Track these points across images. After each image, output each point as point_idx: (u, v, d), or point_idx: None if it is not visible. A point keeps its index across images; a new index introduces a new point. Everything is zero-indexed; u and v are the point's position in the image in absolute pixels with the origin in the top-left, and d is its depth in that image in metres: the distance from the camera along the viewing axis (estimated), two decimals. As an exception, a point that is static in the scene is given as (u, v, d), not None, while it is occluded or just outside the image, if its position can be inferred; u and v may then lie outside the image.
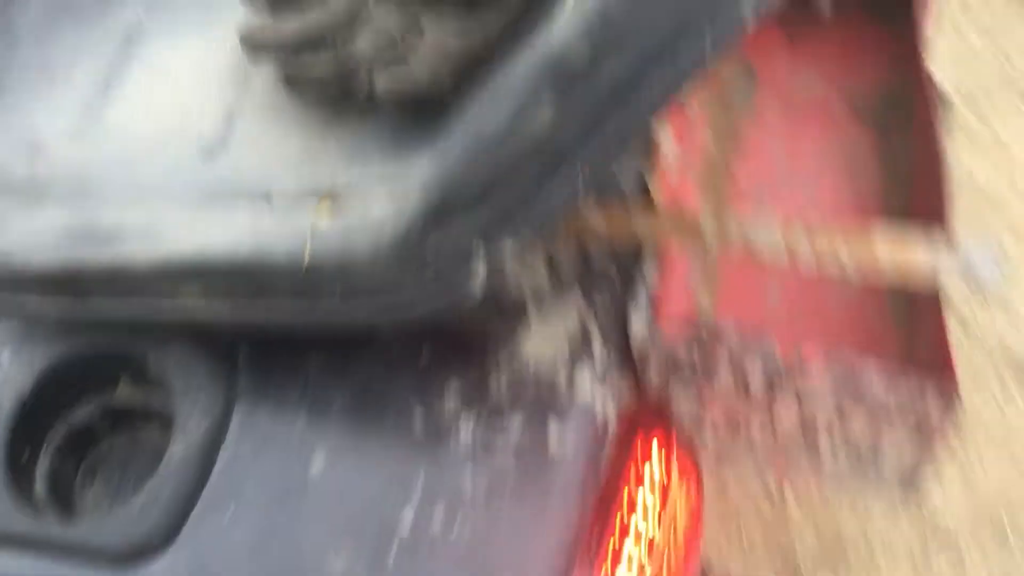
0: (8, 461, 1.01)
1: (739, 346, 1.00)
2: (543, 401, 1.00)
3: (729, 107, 1.46)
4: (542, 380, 1.01)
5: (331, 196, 0.85)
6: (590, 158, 0.79)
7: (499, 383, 1.02)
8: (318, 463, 0.99)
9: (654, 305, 1.08)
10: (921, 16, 1.25)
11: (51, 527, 0.99)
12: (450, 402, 1.01)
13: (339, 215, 0.83)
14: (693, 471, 1.07)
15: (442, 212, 0.79)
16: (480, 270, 0.81)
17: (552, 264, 1.09)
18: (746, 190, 1.37)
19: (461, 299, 0.83)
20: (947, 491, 1.95)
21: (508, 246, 0.81)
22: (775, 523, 1.95)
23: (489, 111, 0.77)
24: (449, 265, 0.81)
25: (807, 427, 1.04)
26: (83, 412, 1.09)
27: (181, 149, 0.97)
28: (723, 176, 1.38)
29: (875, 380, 0.96)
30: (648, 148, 1.17)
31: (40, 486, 1.04)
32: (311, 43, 0.87)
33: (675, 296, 1.28)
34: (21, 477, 1.02)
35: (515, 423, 0.99)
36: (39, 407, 1.05)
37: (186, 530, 0.97)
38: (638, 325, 1.03)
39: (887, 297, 1.24)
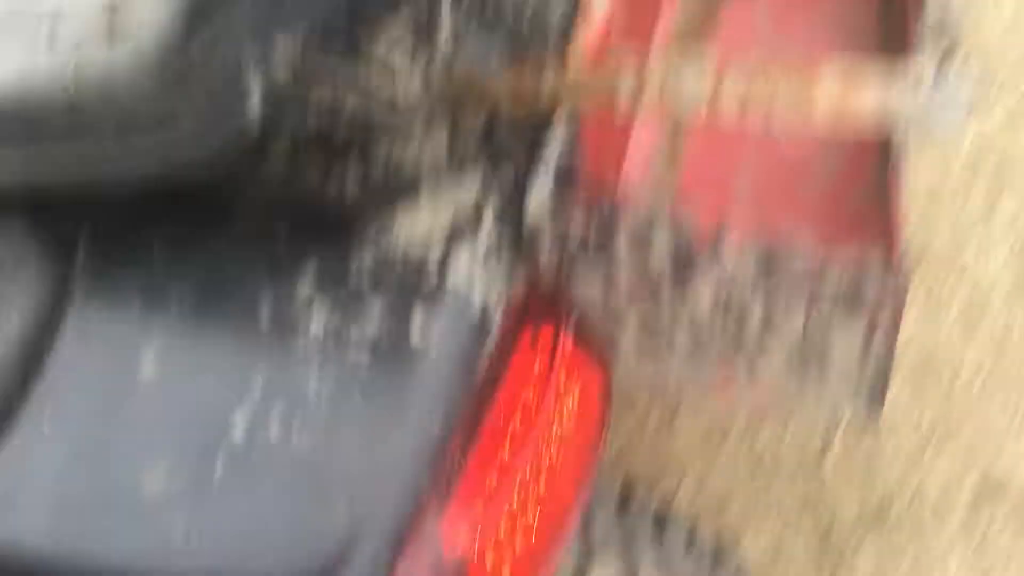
0: None
1: (645, 219, 0.81)
2: (410, 287, 0.84)
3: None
4: (411, 263, 0.85)
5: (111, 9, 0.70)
6: None
7: (361, 267, 0.86)
8: (148, 364, 0.86)
9: (579, 182, 0.90)
10: None
11: None
12: (302, 290, 0.86)
13: (111, 31, 0.68)
14: (595, 371, 0.90)
15: (200, 6, 0.65)
16: (255, 86, 0.66)
17: (451, 132, 0.92)
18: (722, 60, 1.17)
19: (240, 125, 0.67)
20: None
21: (286, 55, 0.66)
22: (813, 484, 1.74)
23: None
24: (221, 79, 0.67)
25: (734, 324, 0.84)
26: None
27: None
28: (691, 44, 1.18)
29: (804, 256, 0.76)
30: (573, 7, 0.99)
31: None
32: None
33: (630, 177, 1.11)
34: None
35: (374, 313, 0.83)
36: None
37: None
38: (537, 200, 0.85)
39: (871, 191, 1.03)
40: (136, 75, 0.67)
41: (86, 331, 0.88)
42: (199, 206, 0.91)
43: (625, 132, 1.14)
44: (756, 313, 0.82)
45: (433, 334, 0.81)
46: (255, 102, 0.67)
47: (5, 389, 0.85)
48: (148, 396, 0.84)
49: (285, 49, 0.66)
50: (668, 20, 1.22)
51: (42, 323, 0.88)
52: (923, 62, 0.87)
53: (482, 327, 0.82)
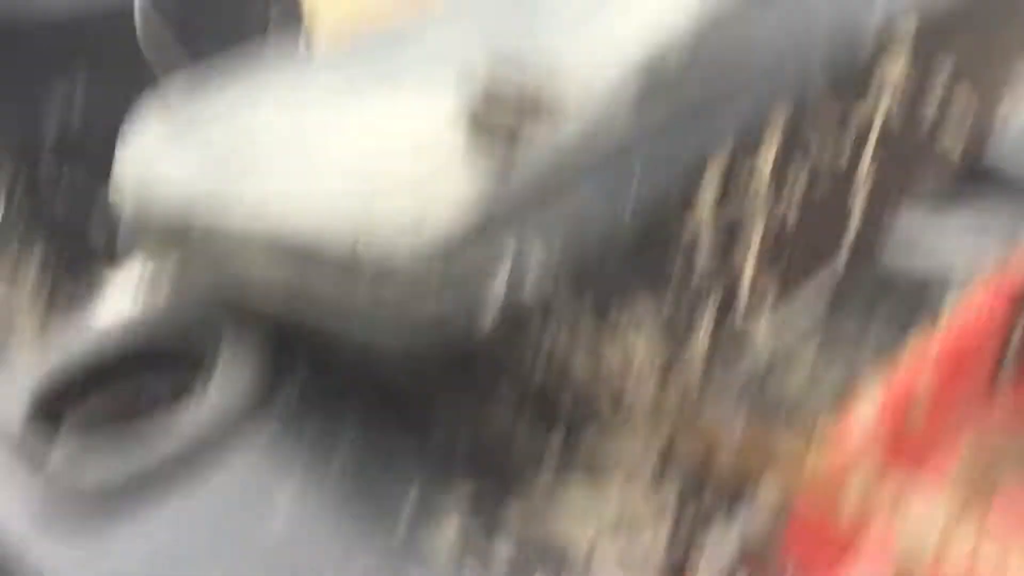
0: None
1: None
2: (539, 567, 0.78)
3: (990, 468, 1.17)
4: (556, 550, 0.80)
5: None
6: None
7: (512, 532, 0.82)
8: (278, 517, 0.85)
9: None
10: None
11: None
12: (448, 528, 0.83)
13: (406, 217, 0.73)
14: None
15: (495, 221, 0.68)
16: (500, 287, 0.68)
17: (655, 448, 0.89)
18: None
19: (472, 322, 0.69)
20: None
21: (533, 264, 0.68)
22: None
23: None
24: (474, 281, 0.69)
25: None
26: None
27: None
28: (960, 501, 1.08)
29: None
30: (835, 403, 0.95)
31: None
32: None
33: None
34: None
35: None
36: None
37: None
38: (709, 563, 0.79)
39: None
40: (416, 250, 0.70)
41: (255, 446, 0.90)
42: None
43: (848, 551, 1.04)
44: None
45: None
46: (494, 305, 0.68)
47: (155, 459, 0.87)
48: (254, 544, 0.83)
49: (535, 276, 0.67)
50: (942, 466, 1.13)
51: (232, 416, 0.90)
52: None
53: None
